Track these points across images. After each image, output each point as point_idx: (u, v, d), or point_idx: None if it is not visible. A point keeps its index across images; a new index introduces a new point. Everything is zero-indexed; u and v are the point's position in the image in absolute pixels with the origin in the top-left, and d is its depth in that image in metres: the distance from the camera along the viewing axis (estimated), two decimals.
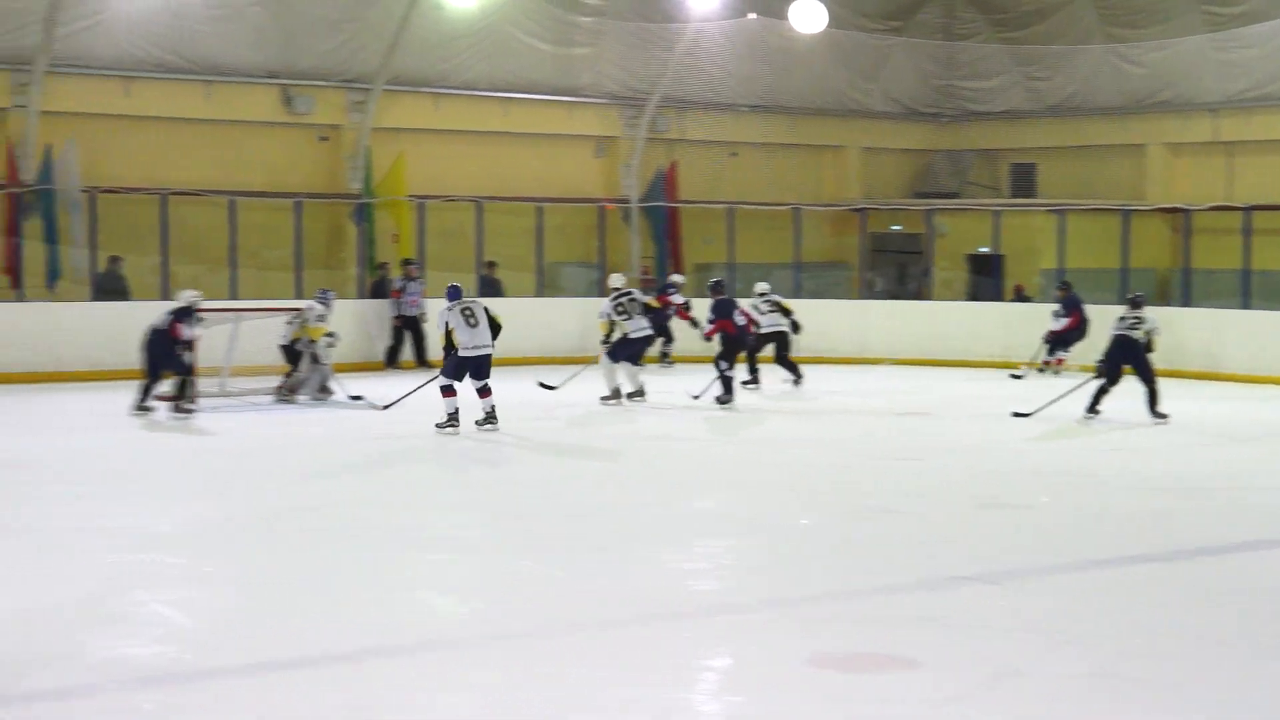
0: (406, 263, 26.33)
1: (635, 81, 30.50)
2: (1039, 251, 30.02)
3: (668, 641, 9.09)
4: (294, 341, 20.97)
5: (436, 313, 19.19)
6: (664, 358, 26.38)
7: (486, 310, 18.56)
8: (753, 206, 30.82)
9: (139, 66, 25.83)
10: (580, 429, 19.20)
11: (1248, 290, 26.25)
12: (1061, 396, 20.31)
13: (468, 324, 18.25)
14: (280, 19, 26.79)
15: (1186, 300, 27.12)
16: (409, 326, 26.14)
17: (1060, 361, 25.33)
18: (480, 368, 18.26)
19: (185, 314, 19.55)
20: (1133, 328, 19.68)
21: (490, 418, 18.19)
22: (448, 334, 18.22)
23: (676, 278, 26.63)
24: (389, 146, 27.80)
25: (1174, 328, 24.70)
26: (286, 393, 20.88)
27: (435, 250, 27.92)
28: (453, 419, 17.98)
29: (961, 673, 8.45)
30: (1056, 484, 15.05)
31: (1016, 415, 20.07)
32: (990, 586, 10.48)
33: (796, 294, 29.66)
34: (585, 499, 14.05)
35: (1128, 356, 19.68)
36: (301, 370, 20.99)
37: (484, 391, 18.22)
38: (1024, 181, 33.27)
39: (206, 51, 26.32)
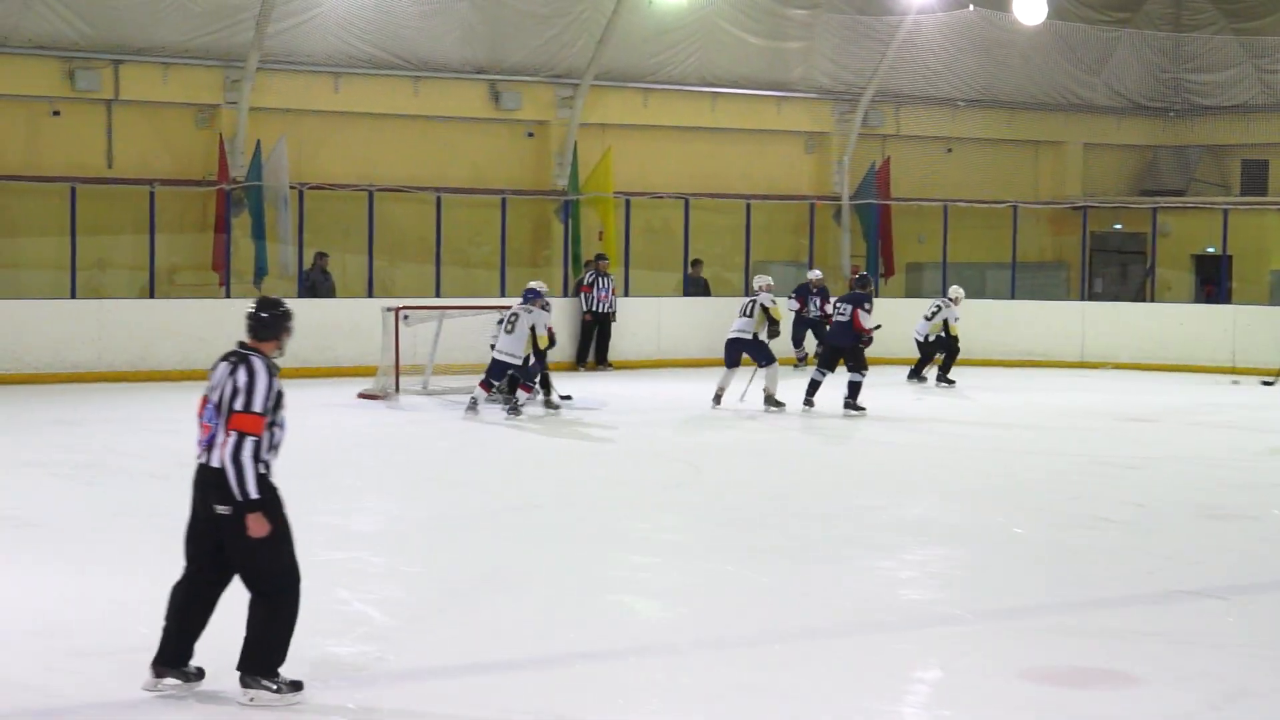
0: (598, 258, 26.31)
1: (848, 75, 30.33)
2: (1269, 252, 29.29)
3: (877, 652, 8.99)
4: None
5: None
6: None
7: (534, 329, 19.22)
8: (968, 204, 30.46)
9: (348, 63, 26.31)
10: (780, 431, 19.10)
11: None
12: None
13: (505, 330, 19.24)
14: (488, 14, 27.10)
15: None
16: (598, 323, 26.12)
17: None
18: (497, 370, 19.38)
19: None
20: None
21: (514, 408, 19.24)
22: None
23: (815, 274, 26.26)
24: (596, 142, 27.97)
25: None
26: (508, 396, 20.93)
27: (640, 248, 28.05)
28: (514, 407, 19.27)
29: (1187, 691, 8.23)
30: None
31: (1266, 384, 19.47)
32: (1216, 601, 10.20)
33: (1013, 294, 29.35)
34: (788, 503, 13.96)
35: None
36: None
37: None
38: (1255, 179, 32.43)
39: (415, 47, 26.71)
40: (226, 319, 23.77)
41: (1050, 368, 26.76)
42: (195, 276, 25.46)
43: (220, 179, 24.98)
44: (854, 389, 20.13)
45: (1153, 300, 29.99)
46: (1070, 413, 20.77)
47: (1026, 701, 8.07)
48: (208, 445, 7.79)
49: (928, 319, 23.42)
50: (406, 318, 21.01)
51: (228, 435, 7.68)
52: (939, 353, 23.35)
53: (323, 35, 25.92)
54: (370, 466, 16.03)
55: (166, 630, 7.92)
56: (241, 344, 7.99)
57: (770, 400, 20.31)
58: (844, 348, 20.36)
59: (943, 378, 22.73)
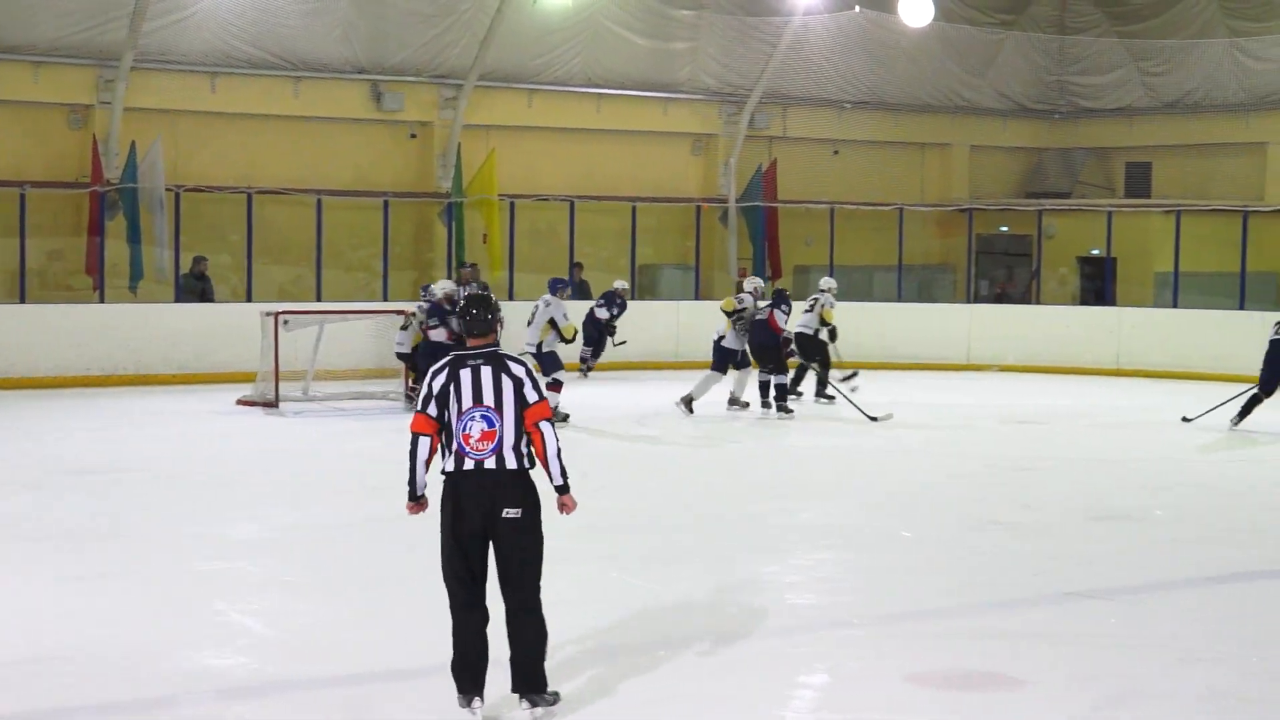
0: (461, 265, 25.91)
1: (735, 77, 30.45)
2: (1153, 254, 29.68)
3: (765, 658, 9.01)
4: (415, 347, 20.66)
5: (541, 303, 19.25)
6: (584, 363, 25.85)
7: (553, 321, 19.07)
8: (855, 206, 30.67)
9: (226, 62, 26.06)
10: (672, 438, 19.14)
11: None
12: (1223, 404, 19.95)
13: (526, 322, 19.25)
14: (370, 14, 26.95)
15: None
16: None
17: None
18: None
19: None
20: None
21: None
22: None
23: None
24: (480, 144, 27.89)
25: None
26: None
27: (525, 251, 27.99)
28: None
29: (1075, 693, 8.31)
30: (1174, 496, 14.85)
31: (1186, 420, 19.85)
32: (1103, 602, 10.31)
33: (899, 297, 29.60)
34: (678, 510, 13.98)
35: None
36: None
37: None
38: (1139, 181, 32.91)
39: (294, 47, 26.51)
40: (101, 323, 23.60)
41: (937, 370, 27.00)
42: (69, 280, 25.11)
43: (94, 181, 24.66)
44: (779, 390, 20.47)
45: (1039, 302, 30.35)
46: (957, 415, 20.96)
47: (915, 705, 8.12)
48: (496, 450, 7.72)
49: (808, 311, 23.40)
50: (286, 322, 20.82)
51: (539, 427, 7.77)
52: (814, 361, 23.05)
53: (200, 34, 25.65)
54: (250, 474, 15.86)
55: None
56: (470, 345, 7.91)
57: (734, 401, 20.78)
58: (766, 346, 20.55)
59: (821, 393, 22.42)
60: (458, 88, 27.71)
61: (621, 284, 26.23)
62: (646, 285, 29.56)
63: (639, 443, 18.32)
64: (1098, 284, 30.41)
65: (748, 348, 20.70)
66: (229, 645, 9.16)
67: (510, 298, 26.81)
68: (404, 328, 20.75)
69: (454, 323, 19.07)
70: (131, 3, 24.29)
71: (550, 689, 7.89)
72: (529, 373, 7.89)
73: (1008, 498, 14.66)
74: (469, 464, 7.73)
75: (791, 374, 21.22)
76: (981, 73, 32.89)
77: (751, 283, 21.26)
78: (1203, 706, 8.18)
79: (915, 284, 31.48)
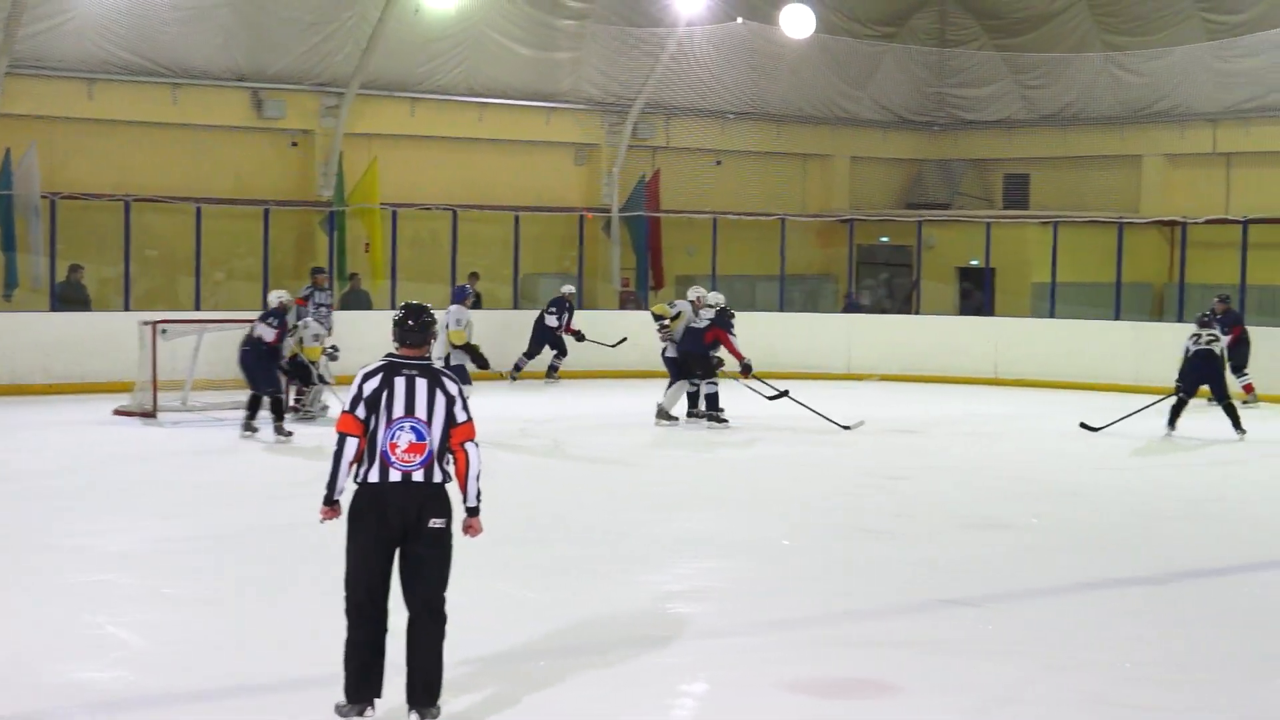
0: (315, 271, 25.57)
1: (618, 87, 30.52)
2: (1031, 264, 30.08)
3: (645, 668, 9.08)
4: (293, 358, 20.55)
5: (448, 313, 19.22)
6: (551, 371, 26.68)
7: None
8: (737, 216, 30.84)
9: (103, 68, 25.77)
10: (559, 448, 19.19)
11: (1244, 305, 26.29)
12: (1135, 413, 20.28)
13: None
14: (250, 20, 26.75)
15: (1181, 316, 27.15)
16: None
17: (1250, 388, 23.87)
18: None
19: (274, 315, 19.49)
20: (1213, 342, 19.86)
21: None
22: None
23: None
24: (362, 152, 27.77)
25: (1170, 343, 24.78)
26: (307, 409, 20.69)
27: (408, 260, 27.90)
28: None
29: (948, 699, 8.45)
30: (1048, 504, 15.08)
31: (1084, 428, 20.15)
32: (977, 610, 10.49)
33: (781, 306, 29.80)
34: (562, 520, 14.03)
35: (1208, 373, 19.84)
36: (314, 384, 20.74)
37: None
38: (1017, 192, 33.34)
39: (173, 53, 26.26)
40: None
41: (817, 379, 27.18)
42: None
43: None
44: (709, 400, 20.75)
45: (918, 312, 30.67)
46: (834, 427, 21.11)
47: (791, 713, 8.23)
48: (425, 463, 7.75)
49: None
50: (164, 331, 20.63)
51: (465, 448, 7.84)
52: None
53: (76, 40, 25.35)
54: (127, 485, 15.72)
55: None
56: (403, 355, 7.95)
57: (662, 414, 20.90)
58: (694, 355, 20.80)
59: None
60: (339, 96, 27.57)
61: (568, 288, 26.81)
62: (529, 295, 29.55)
63: (521, 454, 18.32)
64: (976, 294, 30.77)
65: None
66: (105, 658, 9.11)
67: (393, 306, 26.72)
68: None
69: (274, 322, 19.20)
70: (7, 8, 23.97)
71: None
72: (462, 392, 7.94)
73: (885, 506, 14.83)
74: (395, 475, 7.75)
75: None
76: (862, 85, 33.19)
77: (695, 292, 21.49)
78: (1074, 712, 8.34)
79: (797, 293, 31.73)
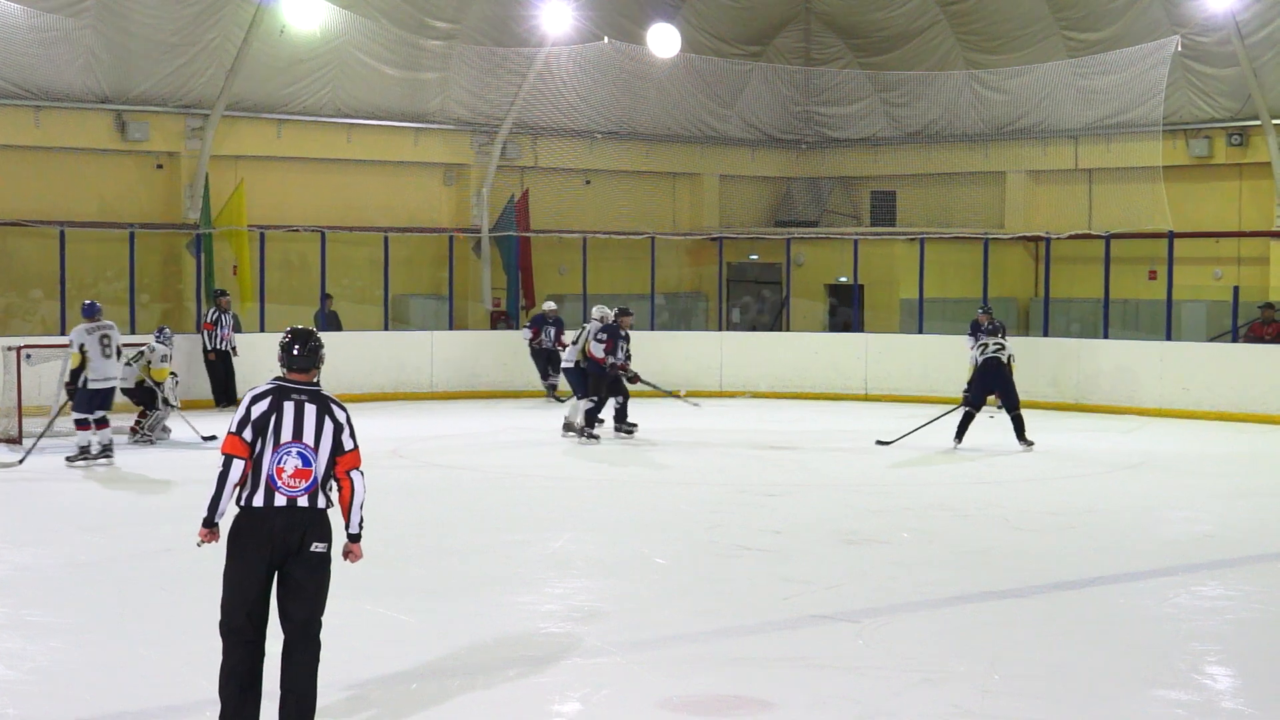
0: (218, 294, 25.59)
1: (486, 107, 30.47)
2: (898, 281, 30.36)
3: (518, 688, 9.04)
4: (140, 383, 20.36)
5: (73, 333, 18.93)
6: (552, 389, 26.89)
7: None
8: (607, 235, 30.88)
9: None
10: (432, 467, 19.10)
11: (1107, 319, 26.68)
12: (924, 425, 20.57)
13: (103, 352, 18.60)
14: (113, 42, 26.42)
15: (1046, 329, 27.52)
16: (223, 360, 25.31)
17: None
18: (108, 400, 18.64)
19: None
20: (999, 350, 20.07)
21: (106, 450, 18.60)
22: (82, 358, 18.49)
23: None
24: (228, 174, 27.54)
25: (1034, 357, 25.14)
26: (146, 433, 20.42)
27: (276, 282, 27.67)
28: (84, 452, 18.48)
29: (820, 714, 8.48)
30: (919, 519, 15.20)
31: (880, 444, 20.37)
32: (851, 624, 10.54)
33: (652, 325, 29.85)
34: (434, 540, 13.96)
35: (996, 382, 20.05)
36: (159, 409, 20.51)
37: (103, 423, 18.58)
38: (884, 209, 33.62)
39: (35, 76, 25.89)
40: None
41: (690, 397, 27.26)
42: None
43: None
44: (589, 415, 21.13)
45: (788, 329, 30.85)
46: (710, 442, 21.20)
47: None
48: (311, 489, 7.70)
49: (574, 343, 23.52)
50: (29, 357, 20.33)
51: (350, 476, 7.82)
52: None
53: None
54: None
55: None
56: (291, 380, 7.90)
57: (569, 427, 21.27)
58: (590, 375, 21.30)
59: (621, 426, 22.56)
60: (205, 117, 27.32)
61: (550, 305, 27.00)
62: (399, 316, 29.42)
63: (395, 473, 18.19)
64: (845, 310, 30.99)
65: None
66: None
67: (262, 329, 26.51)
68: (129, 363, 20.27)
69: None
70: None
71: None
72: (349, 419, 7.89)
73: (758, 523, 14.87)
74: (280, 500, 7.68)
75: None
76: (730, 104, 33.36)
77: (600, 311, 21.83)
78: None
79: (668, 312, 31.81)
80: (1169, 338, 26.41)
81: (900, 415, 24.99)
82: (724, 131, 33.61)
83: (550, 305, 27.09)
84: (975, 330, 20.68)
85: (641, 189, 32.96)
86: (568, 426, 21.23)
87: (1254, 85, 27.89)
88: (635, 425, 21.59)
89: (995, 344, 20.22)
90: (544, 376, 26.88)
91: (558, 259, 31.17)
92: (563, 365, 21.68)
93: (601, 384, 21.27)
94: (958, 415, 20.52)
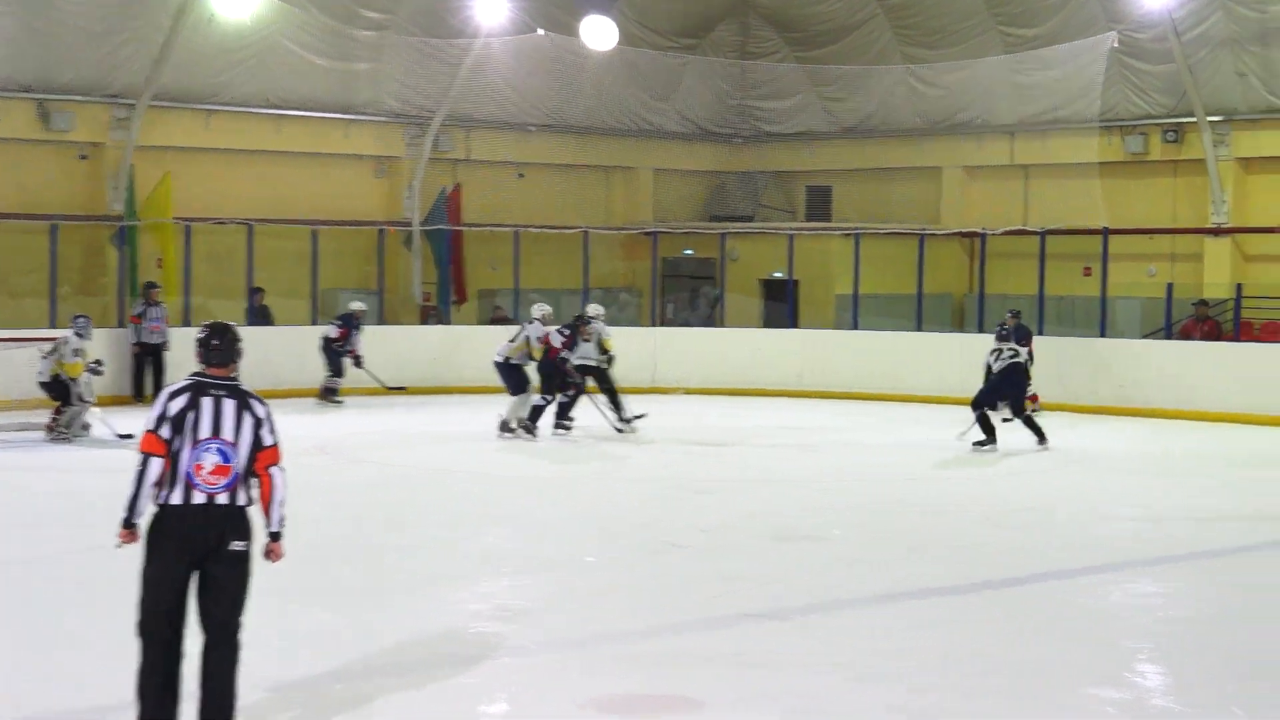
0: (148, 286, 25.38)
1: (418, 99, 30.31)
2: (834, 276, 30.40)
3: (445, 688, 8.97)
4: (54, 377, 20.13)
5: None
6: (331, 393, 25.46)
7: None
8: (540, 229, 30.78)
9: None
10: (358, 464, 18.99)
11: (1042, 316, 26.79)
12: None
13: None
14: (36, 30, 26.12)
15: (981, 326, 27.58)
16: (150, 355, 25.11)
17: (1035, 398, 23.31)
18: None
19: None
20: (1014, 356, 20.10)
21: None
22: None
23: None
24: (154, 166, 27.28)
25: (968, 354, 25.17)
26: (62, 430, 20.13)
27: (203, 276, 27.40)
28: None
29: (751, 712, 8.46)
30: (854, 515, 15.22)
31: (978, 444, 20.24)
32: (782, 623, 10.52)
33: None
34: (359, 538, 13.88)
35: (1010, 388, 20.08)
36: (74, 405, 20.23)
37: None
38: (819, 204, 33.68)
39: None
40: None
41: (623, 393, 27.19)
42: None
43: None
44: (535, 412, 20.90)
45: (723, 324, 30.85)
46: (643, 439, 21.15)
47: None
48: (230, 486, 7.61)
49: (511, 342, 23.40)
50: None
51: (270, 473, 7.71)
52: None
53: None
54: None
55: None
56: (210, 375, 7.80)
57: (505, 426, 20.95)
58: (540, 369, 21.16)
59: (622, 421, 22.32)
60: (130, 107, 27.06)
61: (358, 304, 26.03)
62: (328, 310, 29.19)
63: (320, 471, 18.07)
64: (780, 306, 30.99)
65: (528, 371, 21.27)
66: None
67: (187, 323, 26.27)
68: (46, 356, 20.06)
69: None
70: None
71: None
72: (270, 414, 7.79)
73: (690, 520, 14.84)
74: (199, 497, 7.59)
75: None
76: (665, 97, 33.33)
77: (541, 310, 21.60)
78: None
79: (601, 307, 31.67)
80: (1103, 335, 26.56)
81: (837, 412, 25.07)
82: (659, 125, 33.57)
83: (360, 305, 26.07)
84: (1006, 334, 20.51)
85: (575, 182, 32.94)
86: (504, 426, 21.07)
87: (1189, 82, 28.07)
88: (573, 421, 21.45)
89: (1010, 349, 20.25)
90: (336, 375, 25.49)
91: (490, 253, 31.07)
92: (494, 361, 21.44)
93: (554, 381, 21.12)
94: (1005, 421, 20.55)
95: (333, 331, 25.50)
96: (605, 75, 32.07)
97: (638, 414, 21.59)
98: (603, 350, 21.73)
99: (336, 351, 25.39)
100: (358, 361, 25.47)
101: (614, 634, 10.26)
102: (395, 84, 30.04)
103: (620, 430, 21.31)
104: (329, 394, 25.29)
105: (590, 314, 21.80)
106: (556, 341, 21.08)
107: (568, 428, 21.22)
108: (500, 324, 29.31)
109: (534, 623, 10.62)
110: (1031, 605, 11.43)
